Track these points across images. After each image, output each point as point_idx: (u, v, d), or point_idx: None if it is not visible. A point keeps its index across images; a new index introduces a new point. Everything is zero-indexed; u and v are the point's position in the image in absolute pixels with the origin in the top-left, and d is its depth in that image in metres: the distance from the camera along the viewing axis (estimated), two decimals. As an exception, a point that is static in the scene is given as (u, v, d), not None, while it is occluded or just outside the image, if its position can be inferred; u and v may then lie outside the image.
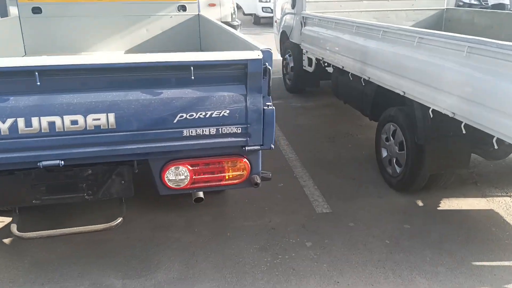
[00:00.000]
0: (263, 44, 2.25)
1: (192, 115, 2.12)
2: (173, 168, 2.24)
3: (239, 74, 2.13)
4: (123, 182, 2.32)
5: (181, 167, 2.25)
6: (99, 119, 2.03)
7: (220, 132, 2.18)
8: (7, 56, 4.74)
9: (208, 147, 2.20)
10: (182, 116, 2.11)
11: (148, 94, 2.08)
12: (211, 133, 2.17)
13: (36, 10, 5.00)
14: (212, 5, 8.75)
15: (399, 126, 3.67)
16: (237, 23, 9.18)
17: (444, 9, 6.13)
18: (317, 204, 3.67)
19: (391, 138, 3.84)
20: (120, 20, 5.20)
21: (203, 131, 2.16)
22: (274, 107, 2.24)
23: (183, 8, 5.31)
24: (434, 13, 6.12)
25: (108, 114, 2.04)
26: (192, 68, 2.05)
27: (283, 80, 7.30)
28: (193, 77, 2.07)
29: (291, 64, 6.73)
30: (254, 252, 3.04)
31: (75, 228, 2.38)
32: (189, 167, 2.26)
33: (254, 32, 13.55)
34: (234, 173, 2.34)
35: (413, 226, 3.34)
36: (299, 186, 3.98)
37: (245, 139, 2.23)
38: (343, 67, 4.62)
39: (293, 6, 6.38)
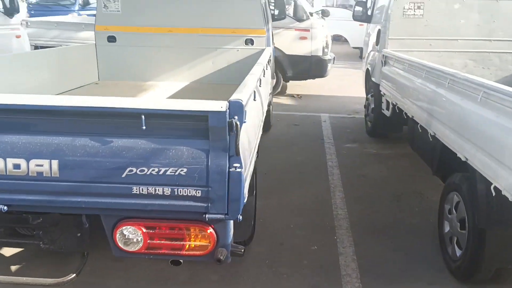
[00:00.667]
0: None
1: (143, 170, 1.80)
2: (125, 228, 1.93)
3: (199, 127, 1.77)
4: (78, 235, 2.08)
5: (134, 228, 1.93)
6: (42, 165, 1.82)
7: (176, 193, 1.82)
8: (82, 80, 5.00)
9: (161, 209, 1.86)
10: (132, 170, 1.80)
11: (96, 142, 1.81)
12: (165, 193, 1.82)
13: (111, 39, 5.19)
14: (303, 38, 8.48)
15: (462, 198, 2.93)
16: (329, 58, 8.76)
17: None
18: (347, 280, 3.06)
19: (454, 211, 3.09)
20: (187, 52, 5.17)
21: (155, 190, 1.82)
22: (242, 170, 1.81)
23: (251, 41, 5.10)
24: (551, 59, 5.07)
25: (52, 160, 1.82)
26: (143, 116, 1.74)
27: (364, 121, 6.67)
28: (144, 127, 1.75)
29: (372, 105, 6.10)
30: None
31: (23, 278, 2.17)
32: (143, 229, 1.93)
33: (355, 67, 12.91)
34: (196, 243, 1.95)
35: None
36: (335, 253, 3.39)
37: (205, 205, 1.84)
38: (412, 116, 3.94)
39: (377, 43, 5.81)
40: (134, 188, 1.81)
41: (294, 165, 5.15)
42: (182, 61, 5.21)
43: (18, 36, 7.26)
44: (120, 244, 1.96)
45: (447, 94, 3.08)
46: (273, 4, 6.89)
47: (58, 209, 1.93)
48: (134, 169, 1.80)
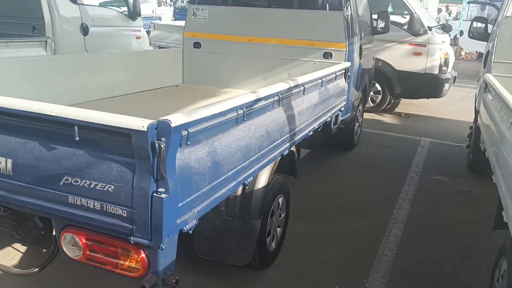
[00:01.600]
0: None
1: (77, 181, 1.78)
2: (68, 234, 1.94)
3: (127, 144, 1.68)
4: (42, 232, 2.15)
5: (75, 237, 1.92)
6: (0, 162, 1.93)
7: (105, 209, 1.76)
8: (165, 82, 5.29)
9: (92, 223, 1.81)
10: (68, 179, 1.80)
11: (42, 146, 1.85)
12: (95, 207, 1.78)
13: (197, 45, 5.38)
14: (418, 54, 7.77)
15: (508, 265, 2.32)
16: (447, 77, 7.87)
17: None
18: (354, 333, 2.67)
19: (501, 279, 2.47)
20: (264, 62, 5.10)
21: (87, 202, 1.78)
22: (166, 196, 1.67)
23: (329, 55, 4.82)
24: None
25: (7, 159, 1.91)
26: (76, 127, 1.72)
27: (467, 153, 5.80)
28: (77, 138, 1.73)
29: (473, 137, 5.28)
30: None
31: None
32: (83, 239, 1.91)
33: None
34: (129, 264, 1.86)
35: None
36: (356, 299, 3.00)
37: (130, 227, 1.74)
38: (488, 158, 3.28)
39: (484, 65, 5.00)
40: (70, 197, 1.81)
41: (361, 191, 4.72)
42: (258, 70, 5.16)
43: (138, 38, 7.98)
44: (64, 249, 1.98)
45: (509, 135, 2.47)
46: (377, 17, 6.39)
47: (13, 206, 2.02)
48: (70, 179, 1.79)
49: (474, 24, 6.13)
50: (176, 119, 1.67)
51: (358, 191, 4.73)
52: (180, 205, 1.79)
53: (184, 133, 1.76)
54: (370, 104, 8.22)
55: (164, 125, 1.63)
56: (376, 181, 5.04)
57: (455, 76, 8.28)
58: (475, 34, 5.97)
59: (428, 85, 7.85)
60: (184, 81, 5.55)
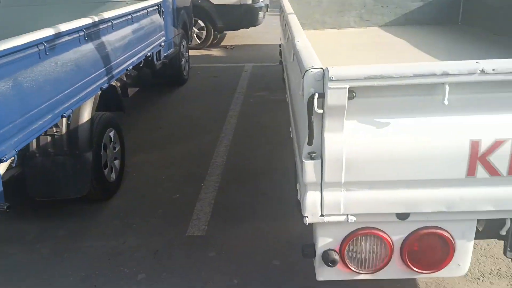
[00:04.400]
0: None
1: None
2: None
3: None
4: None
5: None
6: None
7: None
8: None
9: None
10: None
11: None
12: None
13: (-5, 1, 5.00)
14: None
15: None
16: (260, 5, 8.54)
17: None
18: (194, 224, 3.14)
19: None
20: (78, 5, 5.02)
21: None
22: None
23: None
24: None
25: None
26: None
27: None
28: None
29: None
30: (72, 282, 2.62)
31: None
32: None
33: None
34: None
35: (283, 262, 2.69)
36: (194, 199, 3.45)
37: None
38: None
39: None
40: None
41: (194, 118, 5.17)
42: (70, 16, 5.05)
43: None
44: None
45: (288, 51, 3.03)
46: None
47: None
48: None
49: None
50: None
51: (191, 119, 5.17)
52: None
53: None
54: (197, 41, 8.61)
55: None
56: (207, 107, 5.53)
57: (267, 4, 9.08)
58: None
59: (245, 15, 8.50)
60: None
